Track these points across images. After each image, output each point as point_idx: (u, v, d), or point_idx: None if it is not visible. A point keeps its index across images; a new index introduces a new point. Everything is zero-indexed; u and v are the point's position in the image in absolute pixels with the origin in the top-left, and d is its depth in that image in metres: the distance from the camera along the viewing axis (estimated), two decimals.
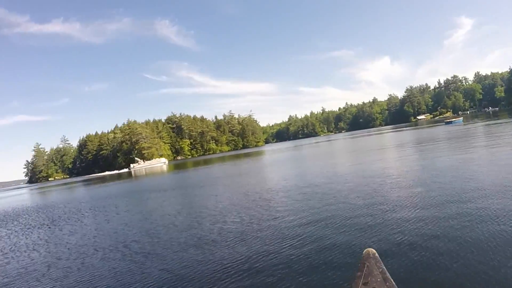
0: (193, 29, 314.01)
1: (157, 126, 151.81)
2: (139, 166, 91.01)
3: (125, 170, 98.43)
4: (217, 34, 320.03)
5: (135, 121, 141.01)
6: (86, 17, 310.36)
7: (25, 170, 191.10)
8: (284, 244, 6.73)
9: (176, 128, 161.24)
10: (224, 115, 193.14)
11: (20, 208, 24.91)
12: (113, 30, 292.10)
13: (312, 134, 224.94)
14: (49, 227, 13.38)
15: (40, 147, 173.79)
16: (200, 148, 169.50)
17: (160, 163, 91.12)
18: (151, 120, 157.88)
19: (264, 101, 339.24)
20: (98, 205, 18.73)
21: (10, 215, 21.30)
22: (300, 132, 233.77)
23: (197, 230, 8.87)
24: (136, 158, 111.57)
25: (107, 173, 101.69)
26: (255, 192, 14.08)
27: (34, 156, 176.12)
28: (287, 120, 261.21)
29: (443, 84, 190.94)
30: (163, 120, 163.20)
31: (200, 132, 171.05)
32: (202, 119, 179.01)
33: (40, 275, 7.19)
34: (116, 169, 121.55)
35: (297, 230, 7.55)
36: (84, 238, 10.27)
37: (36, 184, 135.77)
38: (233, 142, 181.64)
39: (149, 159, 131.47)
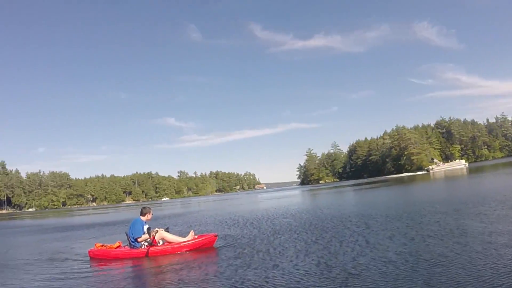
0: (454, 28, 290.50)
1: (426, 131, 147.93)
2: (438, 168, 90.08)
3: (420, 172, 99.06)
4: (480, 30, 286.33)
5: (403, 127, 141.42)
6: (345, 29, 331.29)
7: (298, 172, 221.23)
8: None
9: (445, 133, 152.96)
10: (496, 118, 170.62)
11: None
12: (373, 38, 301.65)
13: None
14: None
15: (312, 152, 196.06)
16: (471, 154, 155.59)
17: (461, 165, 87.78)
18: (420, 125, 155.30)
19: None
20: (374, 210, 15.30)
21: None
22: None
23: None
24: (435, 160, 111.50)
25: (404, 174, 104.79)
26: None
27: (306, 160, 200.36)
28: None
29: None
30: (432, 125, 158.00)
31: (471, 137, 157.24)
32: (473, 123, 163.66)
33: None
34: (386, 174, 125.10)
35: None
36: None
37: (307, 185, 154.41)
38: (507, 147, 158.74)
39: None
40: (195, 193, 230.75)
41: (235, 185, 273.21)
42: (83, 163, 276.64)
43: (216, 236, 9.83)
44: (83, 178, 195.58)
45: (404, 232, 8.93)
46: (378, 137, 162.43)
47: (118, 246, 9.89)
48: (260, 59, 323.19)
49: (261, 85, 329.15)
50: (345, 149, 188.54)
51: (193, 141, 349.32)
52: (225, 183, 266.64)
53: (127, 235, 9.71)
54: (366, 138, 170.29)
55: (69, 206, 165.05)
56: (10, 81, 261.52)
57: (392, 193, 29.06)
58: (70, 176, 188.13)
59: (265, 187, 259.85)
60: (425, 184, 38.83)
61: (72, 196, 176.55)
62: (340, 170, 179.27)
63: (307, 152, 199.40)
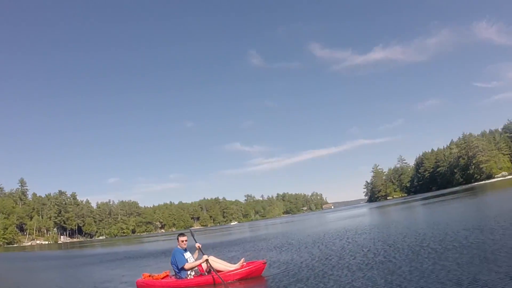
0: None
1: (494, 137, 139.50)
2: None
3: (491, 180, 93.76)
4: None
5: (470, 134, 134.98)
6: (404, 38, 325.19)
7: (365, 189, 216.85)
8: None
9: None
10: None
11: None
12: (433, 44, 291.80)
13: None
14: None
15: (378, 168, 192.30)
16: None
17: None
18: (487, 131, 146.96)
19: None
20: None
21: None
22: None
23: None
24: None
25: (474, 184, 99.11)
26: None
27: (373, 176, 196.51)
28: None
29: None
30: (499, 130, 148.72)
31: None
32: None
33: None
34: (456, 185, 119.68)
35: None
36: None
37: (375, 202, 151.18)
38: None
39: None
40: (262, 216, 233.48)
41: (303, 206, 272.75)
42: (153, 192, 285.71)
43: (264, 263, 9.27)
44: (151, 206, 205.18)
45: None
46: (445, 147, 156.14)
47: (165, 276, 9.70)
48: (322, 78, 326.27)
49: (326, 103, 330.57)
50: (412, 162, 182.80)
51: (259, 165, 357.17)
52: (292, 205, 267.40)
53: (172, 265, 9.49)
54: (432, 150, 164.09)
55: (138, 233, 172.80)
56: (80, 112, 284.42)
57: (461, 206, 27.71)
58: (139, 205, 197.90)
59: (332, 207, 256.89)
60: (495, 193, 37.53)
61: (141, 224, 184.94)
62: (408, 185, 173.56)
63: (373, 168, 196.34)
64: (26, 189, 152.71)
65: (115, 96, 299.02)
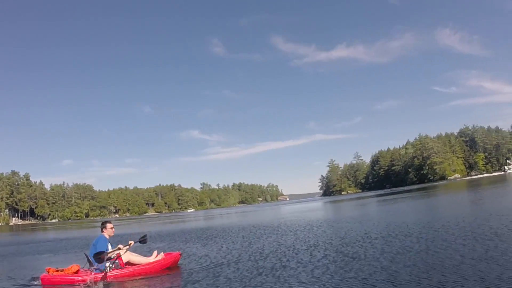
0: (476, 34, 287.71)
1: (449, 140, 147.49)
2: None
3: (498, 173, 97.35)
4: (504, 35, 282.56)
5: (426, 136, 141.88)
6: (368, 39, 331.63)
7: (320, 184, 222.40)
8: None
9: (469, 141, 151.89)
10: None
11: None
12: (396, 47, 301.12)
13: None
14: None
15: (334, 163, 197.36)
16: (495, 162, 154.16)
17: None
18: (443, 134, 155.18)
19: None
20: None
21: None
22: None
23: None
24: (508, 161, 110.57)
25: (478, 176, 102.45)
26: None
27: (329, 171, 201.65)
28: None
29: None
30: (455, 134, 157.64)
31: (495, 145, 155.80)
32: (497, 130, 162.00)
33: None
34: (414, 183, 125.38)
35: None
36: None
37: (330, 196, 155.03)
38: None
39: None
40: (218, 205, 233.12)
41: (258, 197, 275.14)
42: (108, 176, 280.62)
43: (180, 255, 9.56)
44: (106, 190, 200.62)
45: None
46: (401, 147, 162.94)
47: (77, 271, 8.53)
48: (284, 71, 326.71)
49: (285, 97, 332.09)
50: (367, 159, 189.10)
51: (216, 154, 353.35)
52: (248, 195, 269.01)
53: (86, 256, 8.70)
54: (389, 148, 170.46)
55: (92, 217, 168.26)
56: (35, 91, 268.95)
57: (415, 204, 28.94)
58: (94, 188, 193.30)
59: (288, 199, 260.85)
60: (447, 194, 38.89)
61: (95, 208, 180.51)
62: (363, 181, 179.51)
63: (329, 163, 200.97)
64: None
65: (72, 73, 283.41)
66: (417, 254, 7.86)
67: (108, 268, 8.23)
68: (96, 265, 8.28)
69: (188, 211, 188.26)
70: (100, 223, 9.37)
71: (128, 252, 8.86)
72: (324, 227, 16.15)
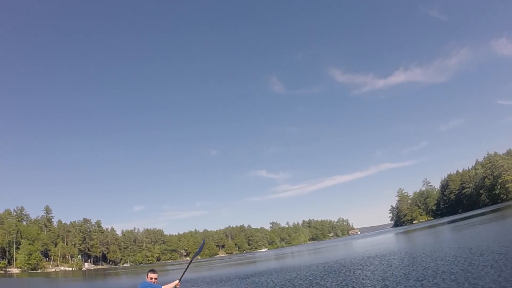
0: None
1: None
2: None
3: None
4: None
5: (495, 153, 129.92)
6: (424, 60, 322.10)
7: (390, 214, 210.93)
8: None
9: None
10: None
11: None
12: (454, 64, 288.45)
13: None
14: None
15: (403, 191, 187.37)
16: None
17: None
18: None
19: None
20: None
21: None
22: None
23: None
24: None
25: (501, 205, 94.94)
26: None
27: (398, 200, 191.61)
28: None
29: None
30: None
31: None
32: None
33: None
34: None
35: None
36: None
37: (401, 227, 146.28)
38: None
39: None
40: (288, 243, 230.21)
41: (329, 233, 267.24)
42: (178, 219, 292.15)
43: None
44: (177, 234, 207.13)
45: None
46: (470, 168, 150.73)
47: None
48: (344, 102, 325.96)
49: (348, 128, 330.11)
50: (437, 185, 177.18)
51: (284, 192, 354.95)
52: (318, 231, 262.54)
53: None
54: (458, 171, 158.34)
55: (163, 261, 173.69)
56: (108, 143, 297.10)
57: (487, 229, 27.42)
58: (164, 232, 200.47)
59: (359, 232, 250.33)
60: None
61: (166, 252, 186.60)
62: (434, 208, 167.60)
63: (398, 193, 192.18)
64: (52, 216, 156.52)
65: (143, 127, 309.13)
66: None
67: None
68: None
69: (261, 250, 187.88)
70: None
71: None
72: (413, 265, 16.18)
